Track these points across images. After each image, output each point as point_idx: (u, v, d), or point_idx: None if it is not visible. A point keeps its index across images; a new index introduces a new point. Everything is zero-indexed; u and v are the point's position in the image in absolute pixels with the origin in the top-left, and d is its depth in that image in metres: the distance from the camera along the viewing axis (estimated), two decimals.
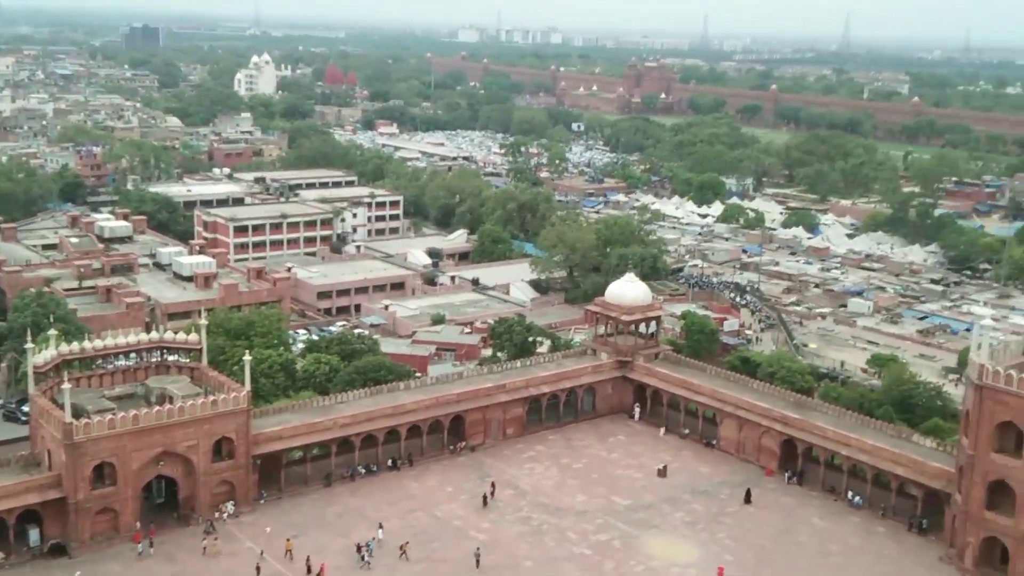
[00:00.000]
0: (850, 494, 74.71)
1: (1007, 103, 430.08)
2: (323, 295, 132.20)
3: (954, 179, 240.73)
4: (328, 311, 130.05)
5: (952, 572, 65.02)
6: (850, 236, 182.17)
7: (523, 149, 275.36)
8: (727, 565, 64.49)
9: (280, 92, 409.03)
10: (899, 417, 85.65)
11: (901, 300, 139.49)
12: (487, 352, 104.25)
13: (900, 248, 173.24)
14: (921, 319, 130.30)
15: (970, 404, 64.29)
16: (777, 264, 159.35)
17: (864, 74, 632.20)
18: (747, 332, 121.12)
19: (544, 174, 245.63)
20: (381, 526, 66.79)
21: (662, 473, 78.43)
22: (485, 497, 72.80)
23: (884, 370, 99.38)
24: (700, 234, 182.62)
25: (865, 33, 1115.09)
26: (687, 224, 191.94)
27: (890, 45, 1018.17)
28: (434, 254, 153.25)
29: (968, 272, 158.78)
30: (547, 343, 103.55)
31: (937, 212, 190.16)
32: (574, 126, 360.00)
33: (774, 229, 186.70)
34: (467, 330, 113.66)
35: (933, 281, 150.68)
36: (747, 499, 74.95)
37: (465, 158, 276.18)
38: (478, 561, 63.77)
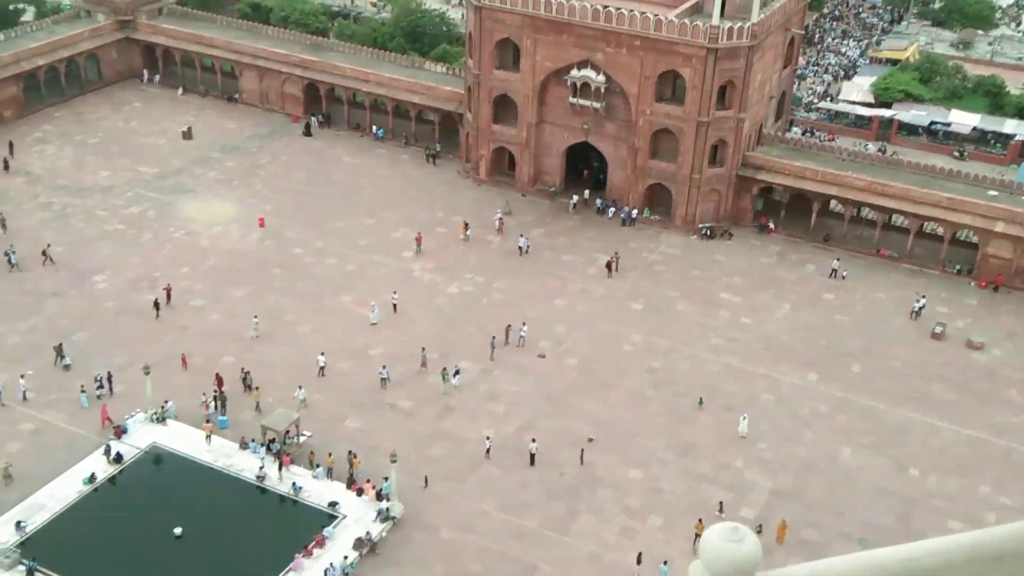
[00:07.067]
0: (374, 128, 77.90)
1: None
2: None
3: None
4: None
5: (469, 183, 71.67)
6: None
7: None
8: (267, 215, 65.64)
9: None
10: (410, 47, 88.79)
11: None
12: None
13: None
14: None
15: (472, 26, 67.94)
16: None
17: None
18: None
19: None
20: None
21: (187, 135, 75.83)
22: None
23: (392, 3, 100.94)
24: None
25: None
26: None
27: None
28: None
29: None
30: (32, 8, 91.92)
31: None
32: None
33: None
34: None
35: None
36: (307, 131, 77.09)
37: None
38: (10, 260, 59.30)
